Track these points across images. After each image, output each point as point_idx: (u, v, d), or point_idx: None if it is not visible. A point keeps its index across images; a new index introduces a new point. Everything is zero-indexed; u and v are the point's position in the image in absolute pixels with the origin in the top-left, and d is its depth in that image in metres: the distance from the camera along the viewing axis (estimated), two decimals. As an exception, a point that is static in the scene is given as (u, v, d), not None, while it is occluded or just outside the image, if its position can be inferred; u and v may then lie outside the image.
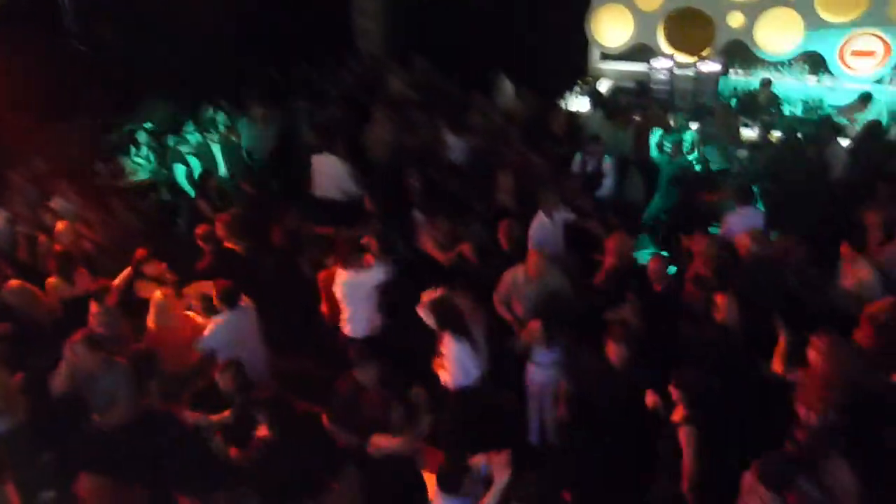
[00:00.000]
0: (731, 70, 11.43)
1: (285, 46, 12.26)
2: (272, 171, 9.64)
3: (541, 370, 5.65)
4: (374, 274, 6.14)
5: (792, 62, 11.11)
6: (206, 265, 6.62)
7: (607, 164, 8.27)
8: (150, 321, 5.86)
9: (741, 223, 6.80)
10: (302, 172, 8.80)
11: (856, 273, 5.85)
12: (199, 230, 6.82)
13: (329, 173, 8.49)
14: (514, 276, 6.13)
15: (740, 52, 11.28)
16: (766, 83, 10.57)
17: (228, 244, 6.80)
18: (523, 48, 11.94)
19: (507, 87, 10.83)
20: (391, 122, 9.52)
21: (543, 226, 6.87)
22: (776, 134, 9.24)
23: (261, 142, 9.80)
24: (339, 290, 6.17)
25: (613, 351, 4.95)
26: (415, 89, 11.01)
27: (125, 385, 5.21)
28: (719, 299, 5.25)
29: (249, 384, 5.09)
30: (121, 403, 5.16)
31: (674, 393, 4.55)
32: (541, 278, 6.02)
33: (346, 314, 6.24)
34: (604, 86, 11.98)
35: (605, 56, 12.43)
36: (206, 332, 5.72)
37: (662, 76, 11.38)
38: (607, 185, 8.29)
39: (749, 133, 9.64)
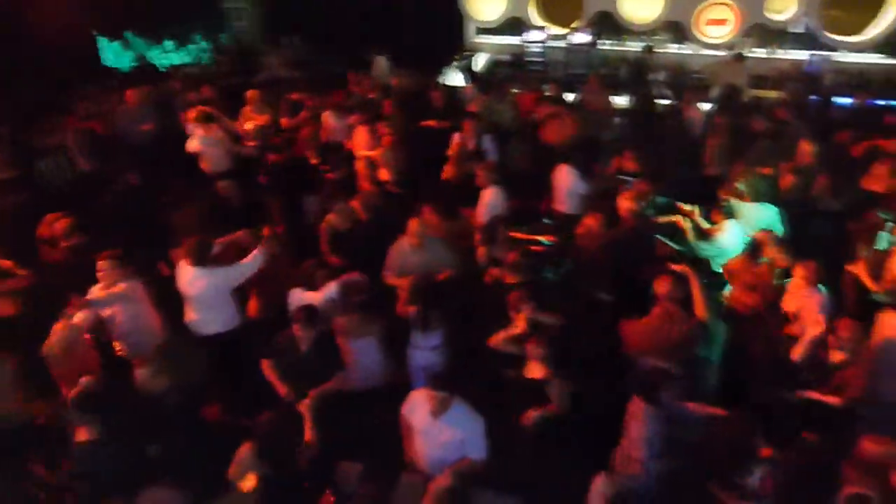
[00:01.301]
0: (599, 41, 11.90)
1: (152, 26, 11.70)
2: (149, 155, 9.16)
3: (420, 354, 5.61)
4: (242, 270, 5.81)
5: (656, 31, 11.72)
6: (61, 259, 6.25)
7: (487, 140, 8.39)
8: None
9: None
10: (178, 154, 8.47)
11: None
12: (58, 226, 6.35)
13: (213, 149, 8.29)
14: (401, 246, 6.15)
15: (608, 23, 11.75)
16: (649, 50, 11.06)
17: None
18: (401, 25, 11.93)
19: (384, 64, 10.79)
20: (267, 103, 9.30)
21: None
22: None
23: (135, 126, 9.29)
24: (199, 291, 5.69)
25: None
26: (291, 69, 10.78)
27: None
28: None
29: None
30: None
31: (532, 350, 4.85)
32: (424, 247, 6.07)
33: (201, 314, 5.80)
34: (481, 59, 12.17)
35: (482, 30, 12.63)
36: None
37: (537, 48, 11.69)
38: (491, 158, 8.44)
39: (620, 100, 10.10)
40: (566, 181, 7.42)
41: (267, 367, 5.20)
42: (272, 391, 5.18)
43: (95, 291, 5.57)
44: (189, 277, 5.66)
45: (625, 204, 6.48)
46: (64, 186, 8.61)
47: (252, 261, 5.75)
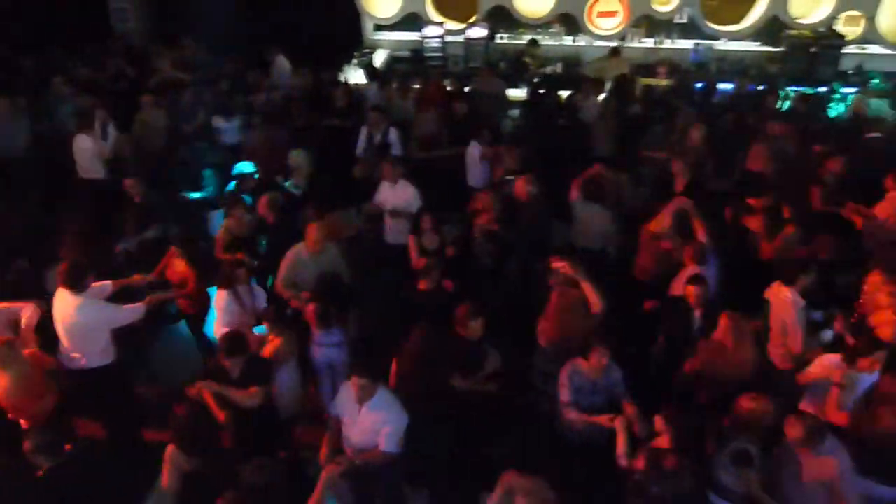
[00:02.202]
0: (497, 35, 12.12)
1: (33, 31, 11.03)
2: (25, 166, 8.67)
3: (323, 350, 5.60)
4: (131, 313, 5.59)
5: (550, 24, 12.04)
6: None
7: (393, 133, 8.42)
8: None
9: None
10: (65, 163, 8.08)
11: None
12: None
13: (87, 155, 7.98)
14: (297, 253, 6.03)
15: (503, 18, 11.96)
16: (532, 44, 11.36)
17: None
18: (298, 23, 11.74)
19: (284, 64, 10.60)
20: (162, 107, 8.99)
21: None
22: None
23: (10, 138, 8.74)
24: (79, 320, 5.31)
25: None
26: (185, 71, 10.42)
27: None
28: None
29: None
30: None
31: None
32: (322, 254, 6.00)
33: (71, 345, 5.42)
34: (380, 56, 12.16)
35: (379, 27, 12.60)
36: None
37: (435, 44, 11.78)
38: (395, 152, 8.47)
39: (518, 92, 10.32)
40: (474, 157, 7.83)
41: (206, 396, 4.92)
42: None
43: None
44: (63, 303, 5.29)
45: (523, 187, 6.69)
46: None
47: (134, 311, 5.52)
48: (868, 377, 4.65)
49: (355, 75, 11.25)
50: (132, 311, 5.50)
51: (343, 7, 11.99)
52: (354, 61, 11.75)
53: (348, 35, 12.34)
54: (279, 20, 11.71)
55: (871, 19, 11.00)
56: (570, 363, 4.89)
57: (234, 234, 6.51)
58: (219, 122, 8.75)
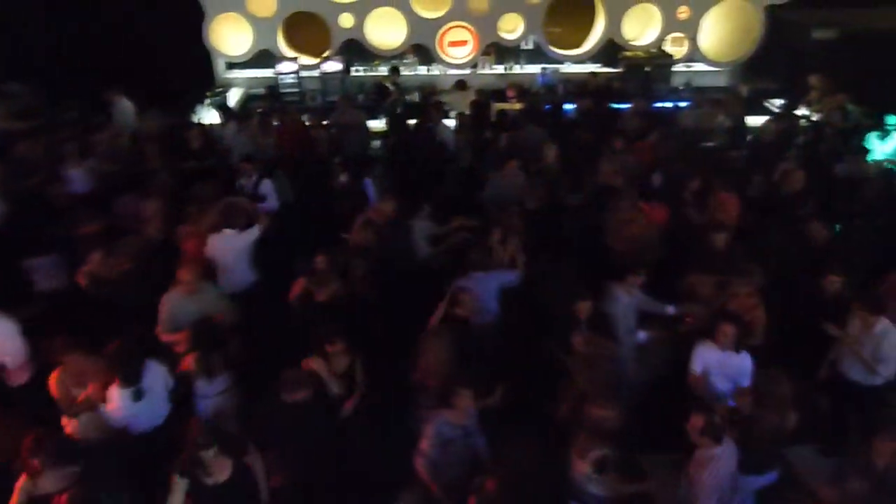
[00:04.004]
0: (352, 67, 12.21)
1: None
2: None
3: (208, 402, 5.34)
4: None
5: (405, 55, 12.27)
6: None
7: (266, 185, 8.00)
8: None
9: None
10: None
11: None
12: None
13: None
14: (171, 298, 5.75)
15: (357, 50, 12.08)
16: (394, 71, 11.55)
17: None
18: (144, 64, 11.28)
19: (128, 107, 10.11)
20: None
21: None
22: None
23: None
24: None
25: None
26: (20, 120, 9.71)
27: None
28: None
29: None
30: None
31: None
32: (199, 294, 5.77)
33: None
34: (234, 94, 11.91)
35: (232, 65, 12.37)
36: None
37: (290, 79, 11.71)
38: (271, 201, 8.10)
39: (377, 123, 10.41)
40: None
41: None
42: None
43: None
44: None
45: (383, 209, 6.84)
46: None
47: None
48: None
49: (209, 115, 10.93)
50: None
51: (191, 46, 11.68)
52: (207, 101, 11.42)
53: (200, 74, 12.02)
54: (123, 61, 11.20)
55: (693, 40, 12.04)
56: (437, 415, 4.62)
57: (100, 275, 6.16)
58: (66, 171, 8.18)
